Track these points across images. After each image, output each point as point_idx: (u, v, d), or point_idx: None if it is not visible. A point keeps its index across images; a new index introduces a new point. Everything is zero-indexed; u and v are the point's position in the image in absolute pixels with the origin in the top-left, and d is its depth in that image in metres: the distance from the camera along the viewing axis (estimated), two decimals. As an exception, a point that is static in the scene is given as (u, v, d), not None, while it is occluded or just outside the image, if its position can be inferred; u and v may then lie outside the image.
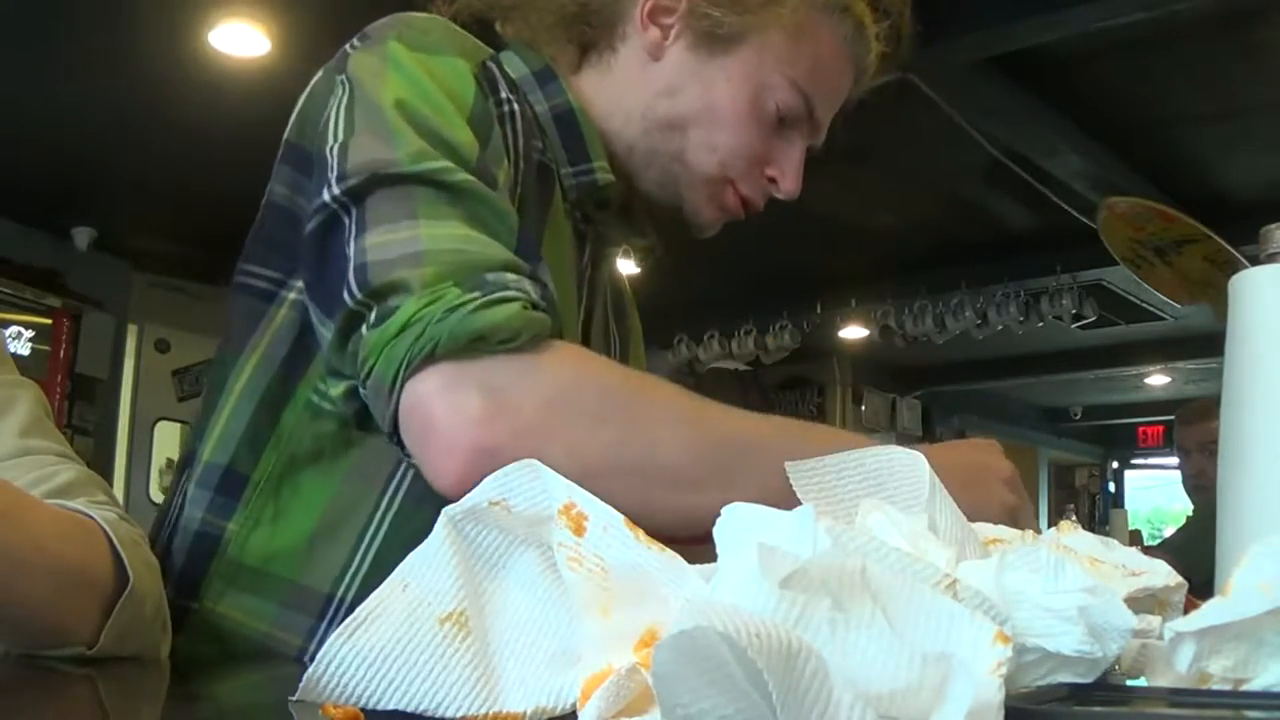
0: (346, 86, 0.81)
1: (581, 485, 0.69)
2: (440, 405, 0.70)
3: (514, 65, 0.95)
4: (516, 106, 0.87)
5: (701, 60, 0.94)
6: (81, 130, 4.18)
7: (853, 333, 6.62)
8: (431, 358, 0.69)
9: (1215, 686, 0.45)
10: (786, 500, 0.52)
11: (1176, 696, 0.46)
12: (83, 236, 5.24)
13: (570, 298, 0.94)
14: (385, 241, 0.74)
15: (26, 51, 3.60)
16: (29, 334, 5.11)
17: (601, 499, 0.71)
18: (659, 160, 0.96)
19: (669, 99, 0.95)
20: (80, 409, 5.29)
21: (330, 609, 0.81)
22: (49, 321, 5.18)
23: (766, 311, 6.52)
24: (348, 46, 0.86)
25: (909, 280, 6.00)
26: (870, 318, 6.33)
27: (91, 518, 0.72)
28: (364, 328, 0.73)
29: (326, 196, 0.76)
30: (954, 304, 5.91)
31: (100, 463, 5.19)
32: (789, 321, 6.51)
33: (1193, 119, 4.16)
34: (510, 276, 0.73)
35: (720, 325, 6.71)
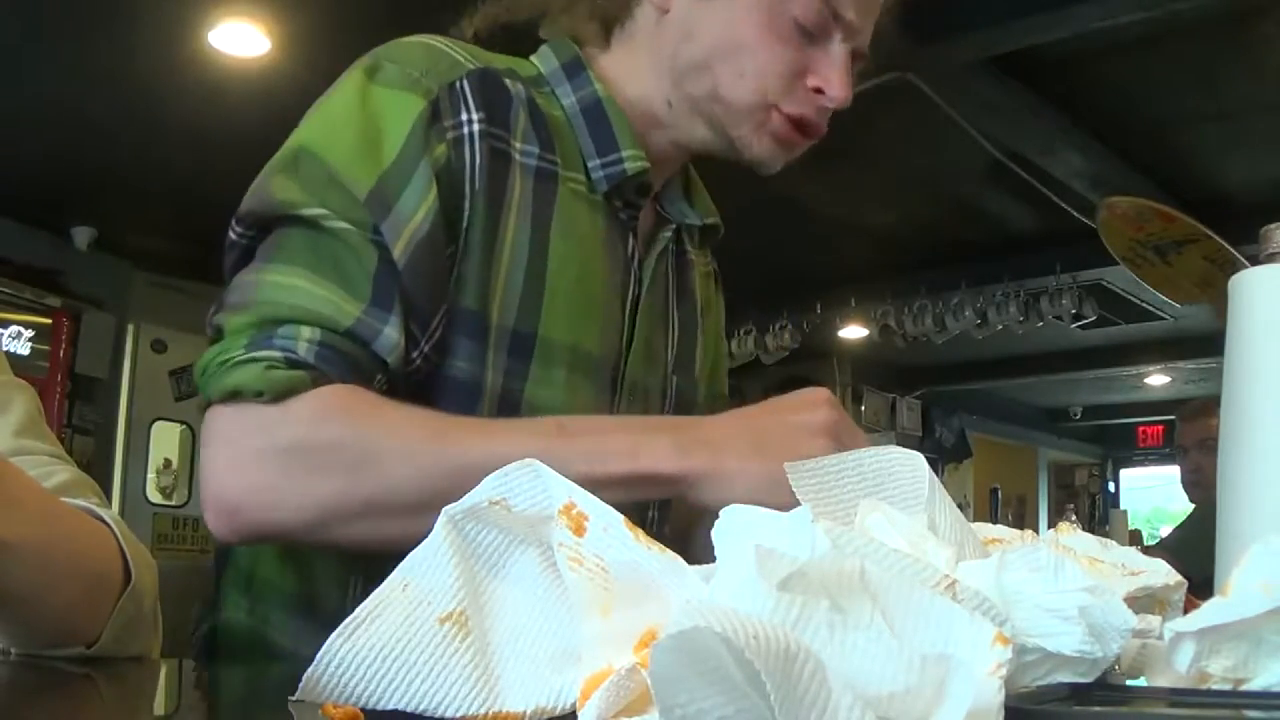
0: None
1: (323, 532, 0.76)
2: (204, 456, 0.77)
3: (545, 59, 0.98)
4: (476, 128, 0.85)
5: None
6: (81, 130, 4.17)
7: (852, 333, 6.62)
8: (210, 404, 0.77)
9: (1215, 686, 0.45)
10: None
11: (1176, 696, 0.46)
12: (83, 236, 5.24)
13: (602, 286, 0.94)
14: (236, 284, 0.81)
15: (27, 51, 3.60)
16: (29, 334, 5.10)
17: (347, 542, 0.77)
18: (699, 107, 0.95)
19: (688, 43, 0.94)
20: (80, 409, 5.28)
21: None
22: (49, 321, 5.17)
23: (766, 311, 6.51)
24: None
25: (909, 280, 6.00)
26: (870, 318, 6.33)
27: (101, 518, 0.73)
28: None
29: (232, 235, 0.85)
30: (954, 304, 5.91)
31: (101, 463, 5.19)
32: (789, 321, 6.51)
33: (1193, 119, 4.16)
34: (305, 331, 0.77)
35: (720, 325, 6.70)
